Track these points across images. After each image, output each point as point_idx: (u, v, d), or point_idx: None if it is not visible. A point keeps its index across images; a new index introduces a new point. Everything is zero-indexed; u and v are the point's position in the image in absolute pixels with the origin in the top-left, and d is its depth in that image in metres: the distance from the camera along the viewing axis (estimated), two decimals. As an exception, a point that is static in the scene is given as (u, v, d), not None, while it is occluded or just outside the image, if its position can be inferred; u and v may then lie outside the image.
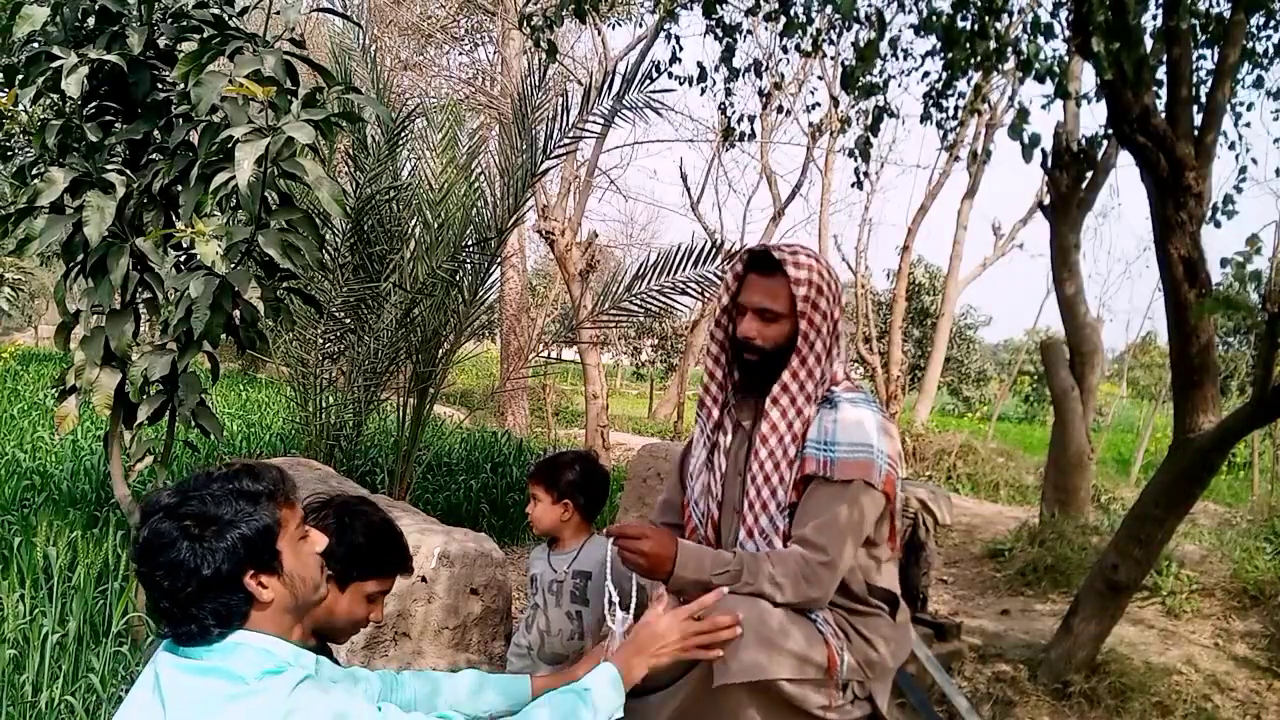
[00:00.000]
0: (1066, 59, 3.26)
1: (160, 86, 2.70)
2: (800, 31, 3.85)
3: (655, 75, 4.62)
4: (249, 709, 1.22)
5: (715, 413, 2.10)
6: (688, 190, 14.24)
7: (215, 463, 5.47)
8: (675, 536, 1.89)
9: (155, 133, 2.73)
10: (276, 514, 1.34)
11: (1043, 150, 4.84)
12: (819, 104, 10.67)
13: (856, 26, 3.76)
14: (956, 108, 4.33)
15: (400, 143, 4.90)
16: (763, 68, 4.68)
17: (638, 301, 4.86)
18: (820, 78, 11.77)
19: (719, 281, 4.05)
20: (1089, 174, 4.96)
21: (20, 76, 2.61)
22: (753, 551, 1.91)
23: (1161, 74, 3.04)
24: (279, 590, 1.33)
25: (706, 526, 2.08)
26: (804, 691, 1.81)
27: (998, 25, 2.97)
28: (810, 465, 1.91)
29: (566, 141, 4.73)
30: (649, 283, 4.81)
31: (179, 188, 2.62)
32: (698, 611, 1.70)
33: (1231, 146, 4.26)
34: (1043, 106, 4.04)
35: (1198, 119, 2.97)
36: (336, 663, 1.74)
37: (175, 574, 1.26)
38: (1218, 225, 3.63)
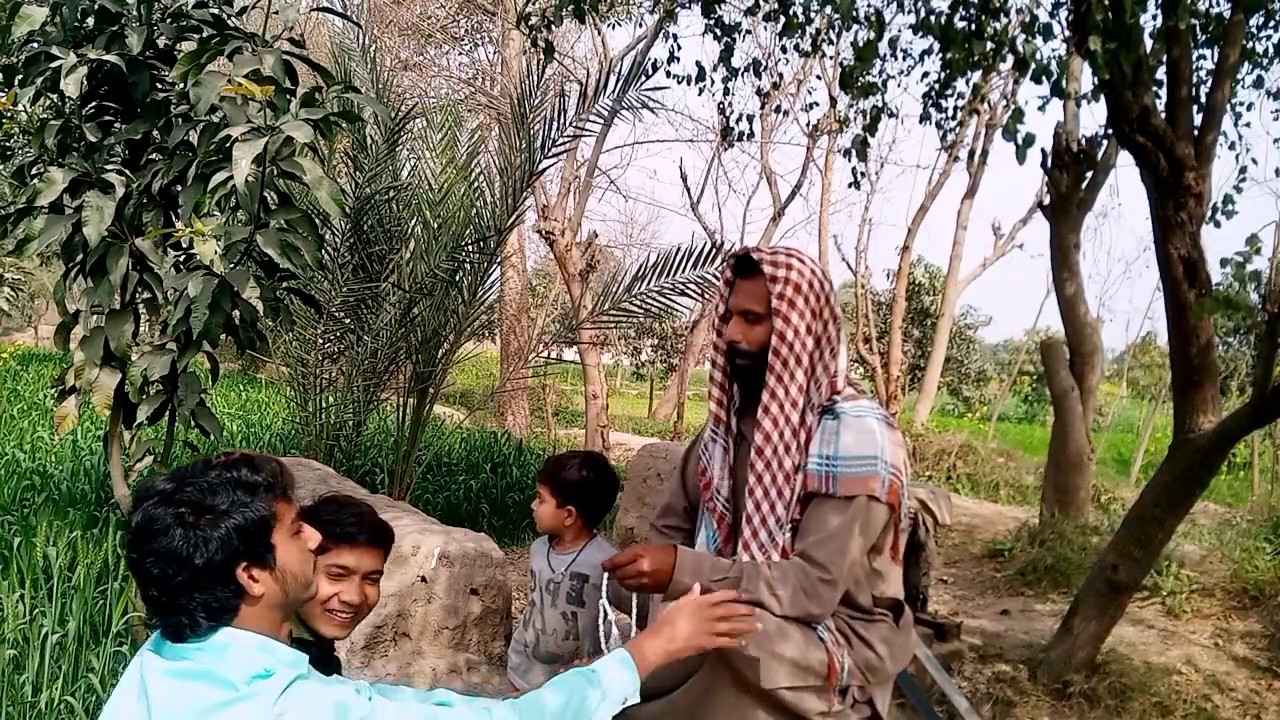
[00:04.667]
0: (1066, 58, 3.26)
1: (159, 86, 2.69)
2: (799, 31, 3.86)
3: (651, 72, 4.62)
4: (237, 716, 1.18)
5: (723, 416, 2.07)
6: (688, 190, 14.25)
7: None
8: (672, 545, 1.88)
9: (154, 133, 2.73)
10: (273, 506, 1.32)
11: (1042, 150, 4.88)
12: (817, 104, 10.66)
13: (855, 26, 3.76)
14: (955, 108, 4.33)
15: (399, 143, 4.90)
16: (761, 67, 4.69)
17: (638, 302, 4.86)
18: (819, 78, 11.80)
19: (717, 282, 4.06)
20: (1089, 174, 4.97)
21: (20, 76, 2.61)
22: (753, 561, 1.90)
23: (1161, 74, 3.04)
24: (270, 585, 1.30)
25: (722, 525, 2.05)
26: (801, 697, 1.80)
27: (995, 25, 2.97)
28: (812, 482, 1.88)
29: (564, 140, 4.74)
30: (649, 283, 4.81)
31: (178, 188, 2.62)
32: (718, 600, 1.63)
33: (1231, 146, 4.27)
34: (1039, 107, 4.04)
35: (1198, 119, 2.97)
36: (338, 666, 1.73)
37: (167, 562, 1.23)
38: (1218, 225, 3.63)
